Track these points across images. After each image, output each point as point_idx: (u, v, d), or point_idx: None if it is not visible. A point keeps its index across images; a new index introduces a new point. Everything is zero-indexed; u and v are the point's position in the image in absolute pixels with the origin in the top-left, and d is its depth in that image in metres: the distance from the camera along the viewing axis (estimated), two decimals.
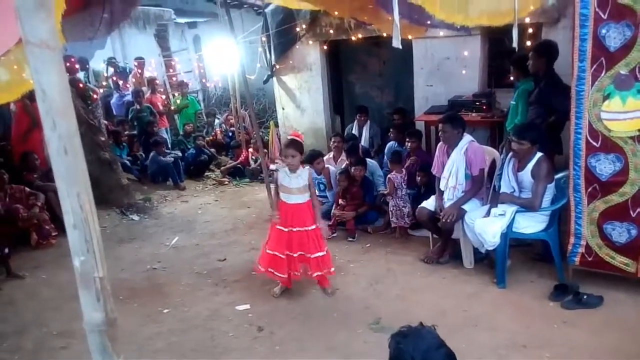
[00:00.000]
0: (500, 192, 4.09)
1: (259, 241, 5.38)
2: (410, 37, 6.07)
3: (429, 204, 4.48)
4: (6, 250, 4.72)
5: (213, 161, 8.44)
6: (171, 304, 4.17)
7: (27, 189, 5.52)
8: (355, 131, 7.02)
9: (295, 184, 3.86)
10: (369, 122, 7.04)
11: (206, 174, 8.16)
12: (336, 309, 3.88)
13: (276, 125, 8.53)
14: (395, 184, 5.19)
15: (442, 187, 4.36)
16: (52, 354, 3.52)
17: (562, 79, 4.18)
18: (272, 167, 7.89)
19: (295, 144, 3.85)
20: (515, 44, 3.04)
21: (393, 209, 5.17)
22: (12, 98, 2.23)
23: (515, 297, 3.82)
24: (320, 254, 3.94)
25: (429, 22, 4.36)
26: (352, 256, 4.85)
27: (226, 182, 7.79)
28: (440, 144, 4.50)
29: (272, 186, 4.33)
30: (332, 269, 4.06)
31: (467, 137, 4.27)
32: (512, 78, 4.99)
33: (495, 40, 6.09)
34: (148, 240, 5.70)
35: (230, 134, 9.34)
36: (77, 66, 7.21)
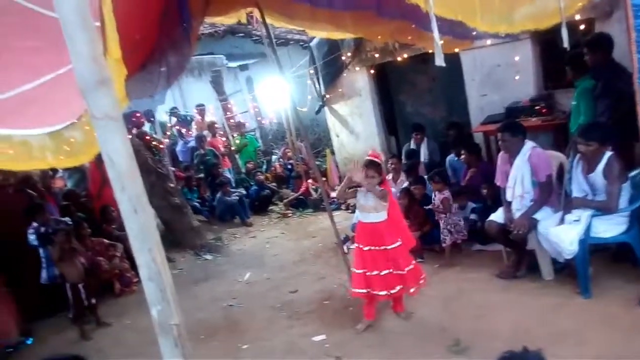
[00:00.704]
0: (573, 196, 3.89)
1: (327, 270, 5.45)
2: (457, 50, 6.02)
3: (498, 216, 4.34)
4: (93, 301, 5.02)
5: (275, 195, 8.65)
6: (249, 340, 4.26)
7: (105, 240, 5.90)
8: (412, 148, 6.97)
9: (372, 201, 3.80)
10: (425, 139, 6.97)
11: (270, 208, 8.37)
12: (412, 334, 3.80)
13: (332, 153, 8.64)
14: (449, 202, 5.08)
15: (508, 197, 4.21)
16: None
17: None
18: (332, 194, 7.99)
19: (373, 165, 3.79)
20: (566, 44, 2.94)
21: (448, 227, 5.04)
22: (89, 158, 2.42)
23: (602, 307, 3.57)
24: (410, 267, 3.85)
25: (474, 34, 4.31)
26: None
27: (290, 214, 7.94)
28: (501, 153, 4.38)
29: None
30: (423, 277, 3.94)
31: (529, 144, 4.13)
32: (569, 78, 4.80)
33: (547, 41, 5.90)
34: (222, 278, 5.89)
35: (289, 166, 9.55)
36: (142, 120, 7.70)
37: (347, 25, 3.33)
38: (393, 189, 5.84)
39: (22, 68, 3.04)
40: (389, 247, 3.81)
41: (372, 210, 3.83)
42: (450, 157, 6.30)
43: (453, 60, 6.31)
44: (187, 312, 5.02)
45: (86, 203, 6.77)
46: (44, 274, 5.22)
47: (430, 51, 5.70)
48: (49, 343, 4.82)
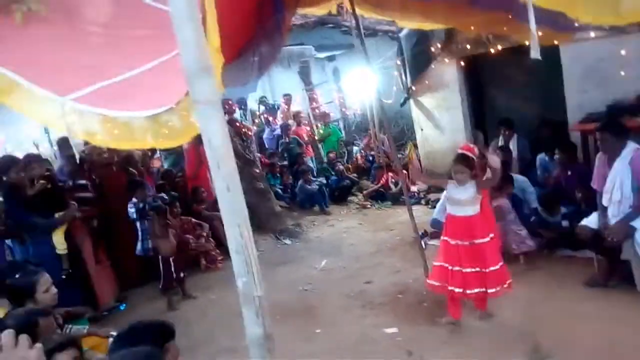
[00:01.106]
0: None
1: (403, 263, 5.42)
2: (556, 42, 5.66)
3: (591, 221, 4.07)
4: (182, 274, 5.39)
5: (355, 186, 8.70)
6: (323, 325, 4.36)
7: (193, 220, 6.28)
8: (501, 145, 6.67)
9: (465, 195, 3.72)
10: (515, 135, 6.64)
11: (349, 198, 8.44)
12: (489, 334, 3.70)
13: (415, 147, 8.51)
14: (504, 210, 4.78)
15: (605, 202, 3.93)
16: None
17: None
18: (413, 188, 7.89)
19: (464, 160, 3.69)
20: None
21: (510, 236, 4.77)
22: (185, 141, 2.61)
23: None
24: (496, 267, 3.69)
25: (576, 26, 4.04)
26: None
27: (368, 206, 7.97)
28: (599, 154, 4.09)
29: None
30: (509, 282, 3.76)
31: (631, 145, 3.80)
32: None
33: None
34: (299, 263, 6.06)
35: (371, 158, 9.55)
36: (233, 107, 8.06)
37: (438, 15, 3.26)
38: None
39: (130, 55, 3.32)
40: (478, 242, 3.68)
41: (466, 204, 3.71)
42: (541, 156, 5.97)
43: (552, 54, 5.95)
44: (265, 293, 5.20)
45: (180, 183, 7.23)
46: (139, 246, 5.67)
47: (527, 43, 5.42)
48: (139, 310, 5.24)
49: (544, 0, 1.96)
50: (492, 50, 6.43)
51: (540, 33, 1.86)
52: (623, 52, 5.49)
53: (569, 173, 5.27)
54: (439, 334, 3.83)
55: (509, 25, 4.08)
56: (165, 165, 7.58)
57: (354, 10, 4.23)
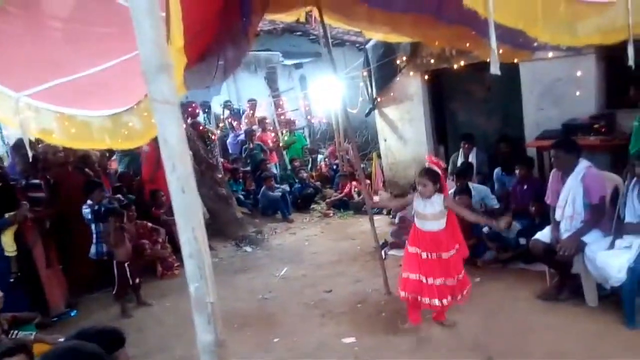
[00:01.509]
0: (625, 221, 3.72)
1: (363, 273, 5.44)
2: (516, 60, 5.85)
3: (544, 235, 4.19)
4: (137, 280, 5.24)
5: (318, 194, 8.71)
6: (281, 333, 4.32)
7: (149, 224, 6.11)
8: (460, 160, 6.85)
9: (430, 209, 3.76)
10: (474, 149, 6.83)
11: (312, 206, 8.44)
12: (445, 345, 3.74)
13: (379, 157, 8.60)
14: None
15: (557, 217, 4.07)
16: None
17: None
18: (375, 198, 7.95)
19: (429, 173, 3.75)
20: (632, 62, 2.82)
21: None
22: (144, 142, 2.54)
23: None
24: (460, 275, 3.81)
25: (535, 45, 4.19)
26: None
27: (331, 215, 7.98)
28: (553, 171, 4.23)
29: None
30: (469, 288, 3.90)
31: (583, 163, 3.97)
32: (633, 97, 4.58)
33: (612, 57, 5.65)
34: (260, 270, 6.00)
35: (335, 166, 9.59)
36: (197, 110, 7.93)
37: (405, 27, 3.32)
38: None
39: (91, 52, 3.22)
40: (445, 255, 3.76)
41: (432, 219, 3.77)
42: (497, 171, 6.14)
43: (511, 71, 6.14)
44: (224, 301, 5.14)
45: (136, 186, 7.05)
46: (92, 249, 5.47)
47: (488, 60, 5.59)
48: (91, 317, 5.05)
49: (505, 18, 2.02)
50: (455, 66, 6.60)
51: (500, 50, 1.91)
52: (579, 73, 5.74)
53: (525, 187, 5.43)
54: (397, 344, 3.85)
55: (471, 41, 4.20)
56: (120, 168, 7.37)
57: (322, 18, 4.25)
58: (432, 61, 7.20)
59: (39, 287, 4.84)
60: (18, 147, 5.70)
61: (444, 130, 8.29)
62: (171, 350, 4.20)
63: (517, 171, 5.48)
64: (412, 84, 7.78)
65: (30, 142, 3.24)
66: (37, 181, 5.35)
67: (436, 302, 3.76)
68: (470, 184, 5.66)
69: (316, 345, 4.04)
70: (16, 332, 3.05)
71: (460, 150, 6.97)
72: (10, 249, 4.46)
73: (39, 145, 5.51)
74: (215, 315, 1.04)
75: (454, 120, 8.21)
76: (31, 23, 3.74)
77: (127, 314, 5.03)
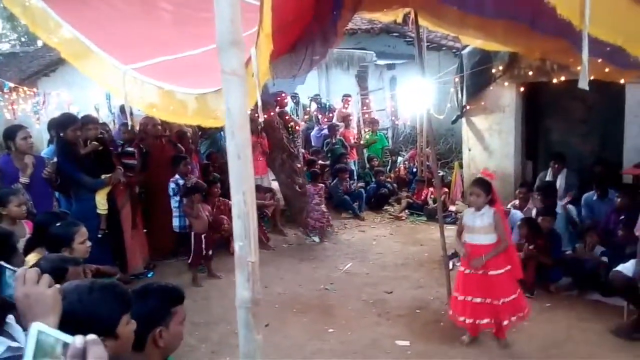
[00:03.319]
0: None
1: (426, 280, 5.37)
2: (622, 81, 5.44)
3: (627, 268, 3.91)
4: (210, 252, 5.55)
5: (393, 196, 8.66)
6: (336, 325, 4.40)
7: (230, 202, 6.40)
8: (549, 179, 6.51)
9: (480, 222, 3.73)
10: (565, 170, 6.45)
11: (385, 207, 8.40)
12: None
13: (460, 167, 8.37)
14: None
15: None
16: (231, 350, 3.98)
17: None
18: (451, 208, 7.76)
19: (481, 183, 3.76)
20: None
21: None
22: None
23: None
24: (509, 298, 3.68)
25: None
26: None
27: (403, 218, 7.90)
28: None
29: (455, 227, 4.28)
30: (526, 310, 3.77)
31: None
32: None
33: None
34: (325, 261, 6.11)
35: (414, 170, 9.47)
36: (286, 100, 8.18)
37: (497, 34, 3.23)
38: (519, 213, 5.59)
39: (196, 35, 3.47)
40: (492, 272, 3.67)
41: (480, 232, 3.73)
42: (588, 195, 5.77)
43: (616, 92, 5.74)
44: (287, 285, 5.33)
45: (224, 166, 7.40)
46: (175, 222, 5.85)
47: (592, 77, 5.25)
48: (166, 280, 5.41)
49: (603, 32, 1.92)
50: (555, 80, 6.26)
51: (607, 69, 1.82)
52: None
53: (622, 217, 5.05)
54: (450, 355, 3.79)
55: (575, 57, 3.98)
56: (202, 149, 7.76)
57: (417, 21, 4.23)
58: (530, 73, 6.87)
59: (122, 246, 5.26)
60: (123, 113, 6.21)
61: (534, 146, 7.90)
62: (231, 322, 4.41)
63: (617, 199, 5.13)
64: (505, 95, 7.49)
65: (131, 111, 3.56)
66: (131, 149, 5.81)
67: (470, 321, 3.70)
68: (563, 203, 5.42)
69: (369, 342, 4.07)
70: None
71: (550, 169, 6.62)
72: (102, 207, 4.90)
73: (142, 117, 5.99)
74: (254, 275, 1.12)
75: (547, 137, 7.80)
76: (145, 4, 4.09)
77: (197, 283, 5.35)
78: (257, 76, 2.06)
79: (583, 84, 1.84)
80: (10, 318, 1.62)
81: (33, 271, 1.30)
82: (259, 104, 2.08)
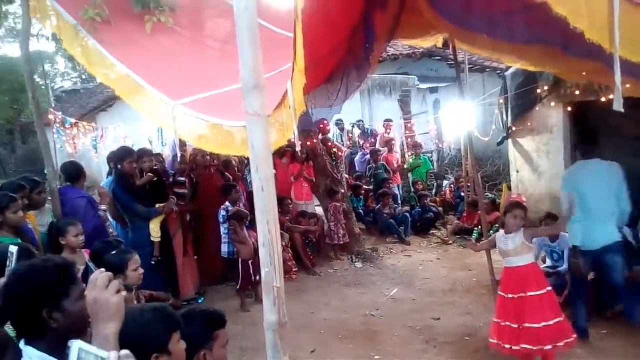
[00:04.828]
0: None
1: (475, 306, 5.25)
2: None
3: None
4: (258, 278, 5.66)
5: (439, 220, 8.54)
6: (382, 352, 4.37)
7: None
8: None
9: (512, 244, 3.71)
10: None
11: (432, 231, 8.30)
12: None
13: (509, 189, 8.18)
14: None
15: None
16: None
17: None
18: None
19: (521, 206, 3.79)
20: None
21: None
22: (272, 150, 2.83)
23: None
24: (554, 321, 3.56)
25: None
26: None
27: (450, 242, 7.78)
28: None
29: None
30: (573, 337, 3.62)
31: None
32: None
33: None
34: (370, 287, 6.10)
35: (461, 194, 9.33)
36: (328, 128, 8.33)
37: (532, 59, 3.23)
38: None
39: (236, 72, 3.66)
40: (531, 294, 3.59)
41: (515, 254, 3.71)
42: None
43: None
44: (333, 311, 5.35)
45: None
46: (224, 248, 6.03)
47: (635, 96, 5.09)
48: (215, 306, 5.54)
49: (634, 54, 1.91)
50: (604, 99, 6.08)
51: (628, 86, 1.82)
52: None
53: None
54: None
55: (611, 78, 3.89)
56: (249, 178, 7.97)
57: (454, 45, 4.29)
58: (577, 92, 6.71)
59: (175, 273, 5.47)
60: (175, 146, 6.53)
61: None
62: None
63: None
64: (552, 115, 7.32)
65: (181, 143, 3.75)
66: (182, 179, 6.09)
67: (508, 346, 3.62)
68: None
69: None
70: None
71: None
72: (156, 235, 5.14)
73: (193, 149, 6.28)
74: (279, 299, 1.20)
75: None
76: (193, 42, 4.36)
77: (245, 308, 5.47)
78: (294, 108, 2.18)
79: (618, 106, 1.83)
80: None
81: (105, 276, 1.36)
82: (296, 133, 2.19)
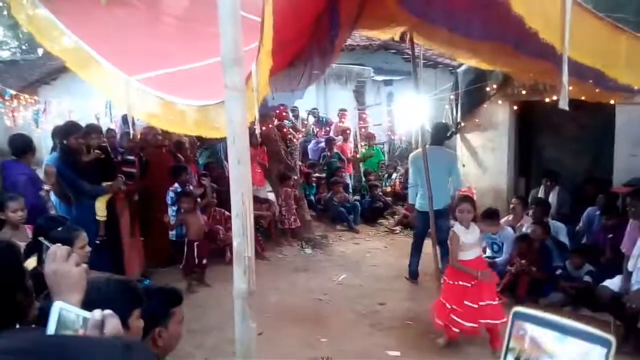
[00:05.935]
0: None
1: (420, 293, 5.45)
2: (612, 101, 5.60)
3: (614, 284, 4.02)
4: (203, 261, 5.62)
5: (388, 209, 8.76)
6: (329, 335, 4.46)
7: (226, 213, 6.50)
8: (541, 196, 6.62)
9: (472, 239, 3.90)
10: (557, 187, 6.57)
11: (380, 220, 8.50)
12: None
13: None
14: None
15: (630, 267, 3.88)
16: (225, 357, 4.03)
17: None
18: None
19: (469, 200, 4.00)
20: None
21: None
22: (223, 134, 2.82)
23: None
24: (494, 302, 3.86)
25: (636, 88, 4.02)
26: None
27: (397, 232, 7.99)
28: (631, 220, 4.04)
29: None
30: (504, 320, 3.88)
31: None
32: None
33: None
34: (319, 272, 6.18)
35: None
36: (285, 114, 8.32)
37: (485, 55, 3.37)
38: (510, 230, 5.71)
39: (198, 49, 3.59)
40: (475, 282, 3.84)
41: (473, 247, 3.91)
42: (591, 210, 5.82)
43: (607, 112, 5.89)
44: (281, 295, 5.39)
45: (221, 176, 7.52)
46: (173, 231, 5.92)
47: (583, 98, 5.41)
48: None
49: (582, 56, 2.04)
50: (547, 99, 6.40)
51: (597, 89, 1.94)
52: None
53: (610, 236, 5.13)
54: None
55: (558, 78, 4.12)
56: (201, 160, 7.87)
57: (412, 39, 4.38)
58: (524, 92, 7.03)
59: (120, 253, 5.32)
60: (125, 123, 6.32)
61: (527, 163, 8.04)
62: (226, 330, 4.45)
63: (604, 220, 5.23)
64: (499, 113, 7.64)
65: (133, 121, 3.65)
66: (131, 157, 5.91)
67: (461, 324, 3.86)
68: (551, 222, 5.54)
69: (361, 352, 4.14)
70: None
71: (542, 186, 6.74)
72: (102, 214, 4.97)
73: (144, 127, 6.10)
74: (250, 268, 1.22)
75: (540, 154, 7.94)
76: (150, 16, 4.22)
77: (191, 290, 5.42)
78: (257, 91, 2.17)
79: (563, 105, 1.95)
80: None
81: (64, 249, 1.34)
82: (257, 117, 2.18)
